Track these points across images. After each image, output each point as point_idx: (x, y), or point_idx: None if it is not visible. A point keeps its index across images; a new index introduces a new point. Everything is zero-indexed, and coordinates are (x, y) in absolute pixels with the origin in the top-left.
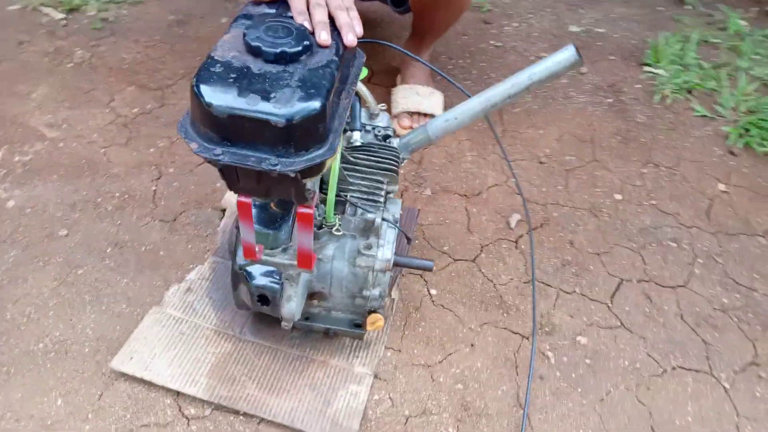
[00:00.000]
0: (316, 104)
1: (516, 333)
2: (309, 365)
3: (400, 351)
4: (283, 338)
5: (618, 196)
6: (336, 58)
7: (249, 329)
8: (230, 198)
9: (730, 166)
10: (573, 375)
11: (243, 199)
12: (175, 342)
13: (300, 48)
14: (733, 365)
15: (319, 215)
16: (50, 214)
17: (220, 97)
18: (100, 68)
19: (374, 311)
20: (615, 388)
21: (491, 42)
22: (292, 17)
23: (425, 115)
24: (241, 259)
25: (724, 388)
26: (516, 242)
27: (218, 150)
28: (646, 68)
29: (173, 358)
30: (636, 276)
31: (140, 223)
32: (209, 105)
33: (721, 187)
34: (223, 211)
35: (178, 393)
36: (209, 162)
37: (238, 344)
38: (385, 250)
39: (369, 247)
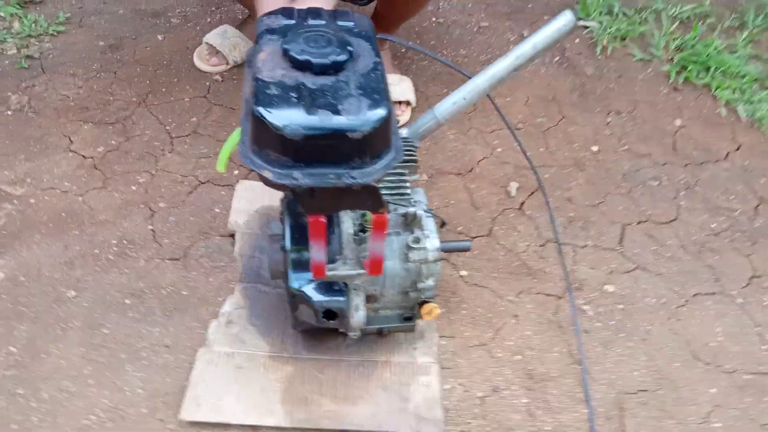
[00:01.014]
0: (384, 110)
1: (550, 295)
2: (374, 368)
3: (453, 337)
4: (338, 348)
5: (594, 148)
6: (378, 59)
7: (303, 347)
8: (236, 220)
9: (678, 101)
10: (612, 323)
11: (316, 218)
12: (235, 378)
13: (347, 55)
14: (740, 282)
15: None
16: (48, 277)
17: (289, 119)
18: (44, 111)
19: (427, 301)
20: (651, 325)
21: (432, 19)
22: (317, 25)
23: (399, 102)
24: (296, 281)
25: (738, 303)
26: (521, 209)
27: (296, 174)
28: (580, 23)
29: (240, 394)
30: (634, 219)
31: (150, 267)
32: (281, 129)
33: (678, 122)
34: (232, 235)
35: (254, 428)
36: (285, 188)
37: (298, 364)
38: (432, 240)
39: (417, 240)
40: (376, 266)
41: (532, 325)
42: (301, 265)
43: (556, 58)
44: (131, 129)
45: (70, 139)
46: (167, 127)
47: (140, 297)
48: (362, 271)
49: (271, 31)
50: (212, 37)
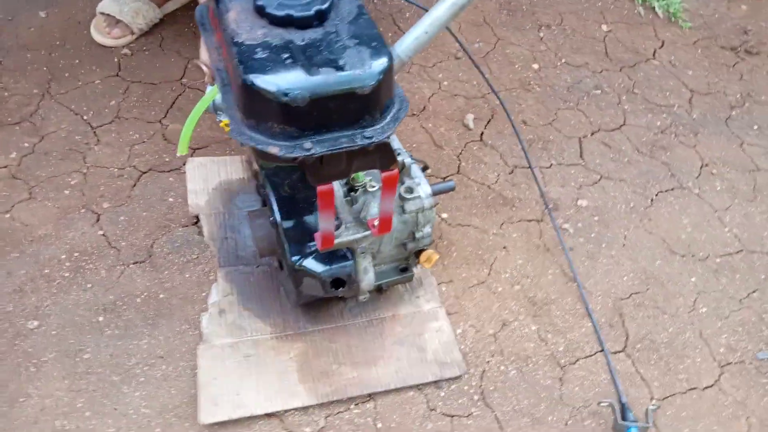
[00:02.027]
0: (385, 57)
1: (531, 220)
2: (383, 325)
3: (451, 281)
4: (342, 314)
5: (535, 66)
6: (359, 1)
7: (306, 321)
8: (196, 202)
9: (599, 6)
10: (592, 235)
11: (325, 187)
12: (247, 367)
13: (328, 2)
14: (693, 173)
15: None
16: (0, 310)
17: (290, 84)
18: None
19: (423, 249)
20: (627, 230)
21: None
22: None
23: None
24: (296, 255)
25: (696, 194)
26: (482, 140)
27: (307, 144)
28: None
29: (257, 383)
30: (588, 131)
31: (114, 276)
32: (283, 96)
33: (604, 27)
34: (196, 220)
35: (282, 414)
36: (294, 161)
37: (307, 339)
38: (424, 187)
39: (410, 190)
40: (385, 225)
41: (521, 253)
42: (298, 238)
43: None
44: (43, 126)
45: None
46: (84, 117)
47: (114, 311)
48: (367, 233)
49: None
50: (107, 6)
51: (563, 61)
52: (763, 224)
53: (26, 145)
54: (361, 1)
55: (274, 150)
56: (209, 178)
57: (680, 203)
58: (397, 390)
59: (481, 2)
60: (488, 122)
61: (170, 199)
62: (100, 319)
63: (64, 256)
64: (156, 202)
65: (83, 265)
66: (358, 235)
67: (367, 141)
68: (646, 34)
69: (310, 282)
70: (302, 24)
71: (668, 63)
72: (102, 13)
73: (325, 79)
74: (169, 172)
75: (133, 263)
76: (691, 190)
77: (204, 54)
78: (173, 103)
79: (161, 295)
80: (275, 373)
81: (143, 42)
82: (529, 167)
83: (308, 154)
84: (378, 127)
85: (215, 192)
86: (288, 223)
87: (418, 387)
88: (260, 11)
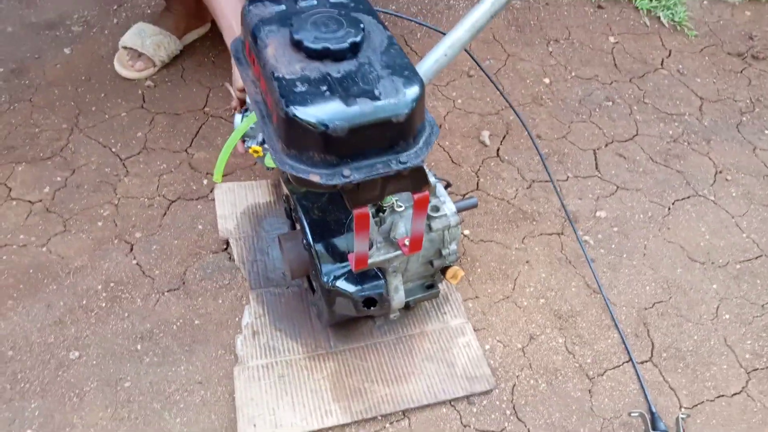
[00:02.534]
0: (417, 85)
1: (552, 234)
2: (412, 342)
3: (477, 297)
4: (371, 332)
5: (546, 80)
6: (389, 32)
7: (337, 341)
8: (226, 227)
9: (605, 19)
10: (613, 246)
11: (361, 210)
12: (282, 387)
13: (361, 34)
14: (708, 180)
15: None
16: (41, 343)
17: (330, 115)
18: None
19: (449, 266)
20: (646, 240)
21: None
22: (312, 6)
23: None
24: (330, 276)
25: (712, 201)
26: (498, 156)
27: (346, 171)
28: None
29: (293, 403)
30: (602, 142)
31: (150, 305)
32: (323, 127)
33: (611, 39)
34: (226, 245)
35: None
36: (334, 188)
37: (338, 358)
38: (449, 204)
39: (437, 208)
40: (416, 244)
41: (544, 266)
42: (331, 259)
43: None
44: (73, 160)
45: (6, 186)
46: (113, 149)
47: (151, 339)
48: (398, 252)
49: (266, 21)
50: (130, 40)
51: (573, 74)
52: None
53: (59, 179)
54: (389, 32)
55: (315, 178)
56: (237, 202)
57: (697, 211)
58: (430, 407)
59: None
60: (503, 138)
61: (200, 227)
62: (139, 347)
63: (100, 287)
64: (186, 230)
65: (119, 294)
66: (390, 255)
67: (402, 166)
68: (653, 44)
69: (342, 302)
70: (338, 56)
71: (676, 72)
72: (125, 47)
73: (362, 109)
74: (197, 200)
75: (168, 291)
76: (707, 198)
77: (236, 82)
78: (197, 132)
79: (196, 322)
80: (310, 392)
81: (165, 74)
82: (550, 180)
83: (347, 181)
84: (412, 151)
85: (243, 216)
86: (320, 245)
87: (451, 403)
88: (297, 45)
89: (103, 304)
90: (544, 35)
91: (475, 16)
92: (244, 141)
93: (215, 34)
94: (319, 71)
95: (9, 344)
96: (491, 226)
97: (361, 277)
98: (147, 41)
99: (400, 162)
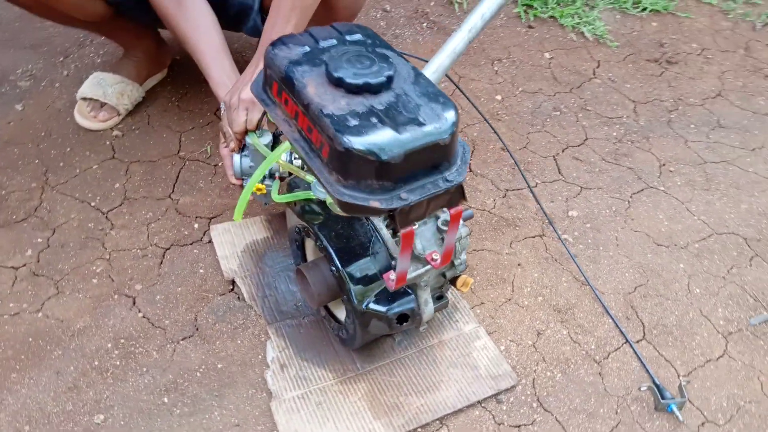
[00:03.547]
0: (453, 109)
1: (534, 236)
2: (433, 352)
3: (483, 303)
4: (392, 350)
5: (498, 97)
6: (410, 64)
7: (363, 362)
8: (230, 267)
9: (537, 37)
10: (589, 241)
11: (408, 230)
12: (322, 414)
13: (393, 68)
14: (654, 173)
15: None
16: (60, 412)
17: (385, 145)
18: None
19: (458, 276)
20: (616, 232)
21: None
22: (334, 45)
23: None
24: (362, 304)
25: (662, 191)
26: (470, 170)
27: (404, 194)
28: None
29: (336, 428)
30: (558, 149)
31: (167, 356)
32: (381, 156)
33: (547, 55)
34: (232, 283)
35: None
36: (390, 211)
37: (369, 378)
38: None
39: (446, 222)
40: (448, 256)
41: (534, 267)
42: (360, 282)
43: (424, 24)
44: (51, 219)
45: None
46: (92, 203)
47: (177, 389)
48: (428, 267)
49: (296, 62)
50: (89, 90)
51: (520, 89)
52: (722, 208)
53: (39, 240)
54: (412, 64)
55: (375, 204)
56: (236, 242)
57: (652, 201)
58: (464, 411)
59: (434, 45)
60: (472, 153)
61: (201, 271)
62: (165, 400)
63: (110, 345)
64: (188, 276)
65: (132, 350)
66: (421, 270)
67: (449, 184)
68: (583, 56)
69: (376, 322)
70: (376, 89)
71: (608, 80)
72: (84, 99)
73: (412, 135)
74: (191, 244)
75: (182, 339)
76: (657, 188)
77: (235, 124)
78: (177, 177)
79: (219, 365)
80: (349, 414)
81: (131, 122)
82: (527, 186)
83: (405, 203)
84: (454, 170)
85: (245, 254)
86: (349, 270)
87: (482, 405)
88: (338, 82)
89: (118, 362)
90: (488, 56)
91: (454, 43)
92: (242, 180)
93: (174, 78)
94: (364, 105)
95: (24, 419)
96: (479, 235)
97: (390, 296)
98: (109, 90)
99: (447, 180)
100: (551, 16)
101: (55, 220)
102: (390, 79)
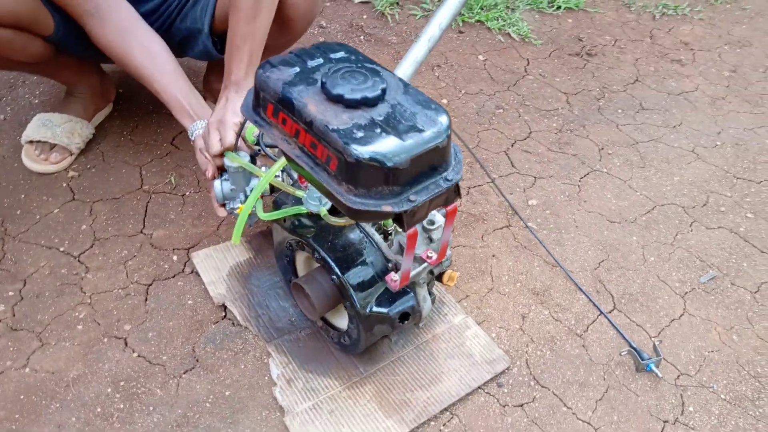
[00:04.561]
0: (445, 114)
1: (502, 228)
2: (429, 347)
3: (467, 296)
4: (390, 350)
5: (444, 101)
6: (397, 75)
7: (365, 365)
8: (219, 292)
9: (469, 41)
10: (551, 226)
11: (412, 230)
12: (337, 421)
13: (385, 81)
14: (595, 157)
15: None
16: None
17: (392, 152)
18: None
19: (444, 271)
20: (573, 215)
21: None
22: (320, 64)
23: None
24: (365, 308)
25: (605, 172)
26: None
27: (412, 197)
28: (357, 0)
29: (353, 431)
30: (508, 144)
31: (171, 391)
32: (391, 162)
33: (481, 57)
34: (224, 306)
35: None
36: (399, 215)
37: (373, 380)
38: (439, 217)
39: (432, 222)
40: (444, 252)
41: (507, 256)
42: (362, 287)
43: (361, 37)
44: (19, 270)
45: None
46: (61, 249)
47: (189, 423)
48: (425, 264)
49: (291, 83)
50: (36, 133)
51: (463, 92)
52: (659, 182)
53: (11, 293)
54: (397, 75)
55: (387, 208)
56: (220, 266)
57: (599, 183)
58: (470, 399)
59: (375, 56)
60: None
61: (189, 302)
62: None
63: (110, 390)
64: (177, 309)
65: (134, 391)
66: (419, 269)
67: (449, 183)
68: (513, 56)
69: (380, 324)
70: (373, 102)
71: (539, 75)
72: (31, 142)
73: (415, 141)
74: (174, 277)
75: (184, 372)
76: (601, 171)
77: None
78: (146, 211)
79: (227, 393)
80: (363, 417)
81: (84, 160)
82: (492, 181)
83: (414, 204)
84: (451, 169)
85: (231, 278)
86: (350, 277)
87: (485, 390)
88: (337, 99)
89: (121, 406)
90: (427, 62)
91: (416, 52)
92: (224, 205)
93: (121, 111)
94: (365, 117)
95: None
96: (453, 232)
97: (390, 297)
98: (57, 130)
99: (447, 180)
100: (478, 21)
101: (23, 270)
102: (384, 91)
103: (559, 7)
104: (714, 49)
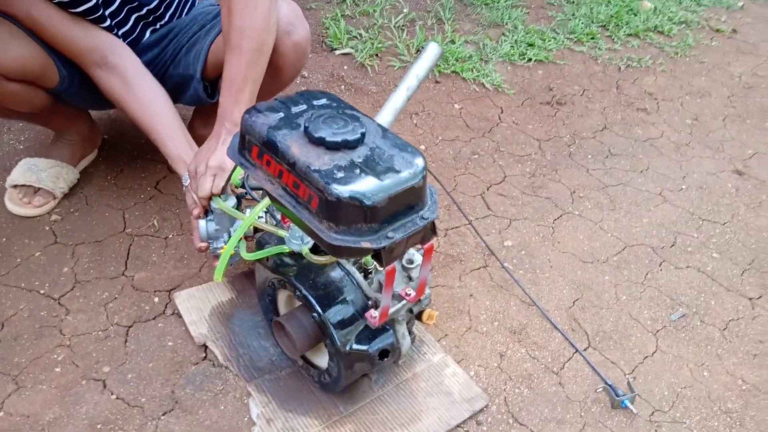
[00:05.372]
0: (420, 156)
1: (479, 268)
2: (409, 385)
3: (446, 335)
4: (370, 389)
5: (422, 147)
6: (376, 121)
7: (345, 404)
8: (200, 332)
9: (444, 90)
10: (527, 266)
11: (390, 267)
12: None
13: (365, 126)
14: (568, 200)
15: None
16: None
17: (371, 191)
18: None
19: (423, 310)
20: (547, 255)
21: None
22: (304, 110)
23: None
24: (345, 346)
25: (577, 215)
26: None
27: (389, 233)
28: (338, 52)
29: None
30: (483, 187)
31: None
32: (369, 201)
33: (456, 105)
34: (205, 347)
35: None
36: (378, 251)
37: (353, 419)
38: (418, 256)
39: (411, 261)
40: (422, 289)
41: (484, 296)
42: (342, 325)
43: (342, 86)
44: None
45: None
46: (41, 291)
47: None
48: (404, 302)
49: (275, 127)
50: (21, 177)
51: (440, 138)
52: (629, 224)
53: None
54: (376, 121)
55: (366, 245)
56: (202, 306)
57: (571, 224)
58: None
59: (355, 104)
60: None
61: (170, 343)
62: None
63: None
64: (157, 350)
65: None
66: (398, 306)
67: (425, 221)
68: (487, 104)
69: (360, 362)
70: (353, 145)
71: (512, 123)
72: (15, 186)
73: (392, 182)
74: (155, 319)
75: (163, 414)
76: (573, 213)
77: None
78: (128, 253)
79: None
80: None
81: (68, 204)
82: (469, 222)
83: (392, 241)
84: (428, 208)
85: (212, 317)
86: (330, 315)
87: (463, 428)
88: (319, 141)
89: None
90: (406, 110)
91: (395, 101)
92: (208, 245)
93: (106, 157)
94: (345, 159)
95: None
96: (432, 273)
97: (369, 334)
98: (43, 175)
99: (423, 218)
100: (454, 71)
101: (2, 313)
102: (363, 135)
103: (530, 60)
104: (676, 99)
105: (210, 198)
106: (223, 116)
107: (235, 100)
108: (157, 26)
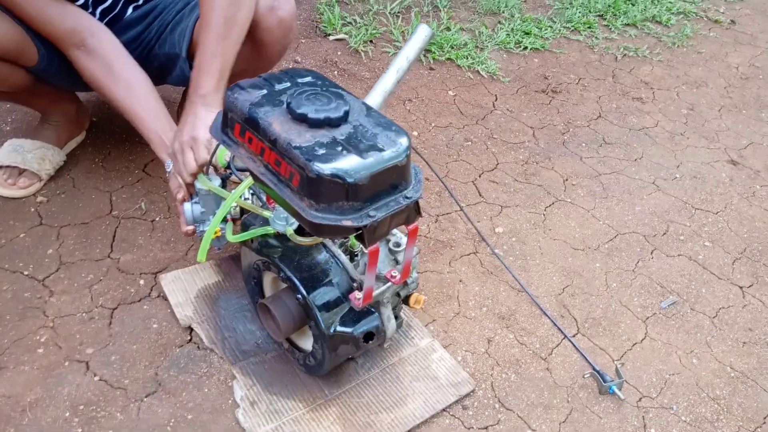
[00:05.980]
0: (405, 135)
1: (469, 254)
2: (394, 370)
3: (434, 320)
4: (356, 372)
5: (415, 133)
6: (360, 99)
7: (331, 387)
8: (185, 314)
9: (439, 77)
10: (517, 252)
11: (374, 247)
12: None
13: (348, 104)
14: (560, 188)
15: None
16: None
17: (352, 169)
18: None
19: (411, 294)
20: (538, 242)
21: None
22: (288, 87)
23: None
24: (330, 328)
25: (569, 202)
26: None
27: (372, 212)
28: (332, 37)
29: None
30: (476, 174)
31: (132, 415)
32: (351, 179)
33: (450, 92)
34: (190, 329)
35: None
36: (360, 229)
37: (338, 402)
38: (404, 238)
39: (398, 244)
40: (407, 272)
41: (474, 281)
42: (325, 308)
43: (335, 72)
44: None
45: None
46: (25, 272)
47: None
48: (389, 284)
49: (257, 104)
50: (6, 158)
51: (433, 125)
52: (621, 212)
53: None
54: (361, 99)
55: (347, 223)
56: (188, 288)
57: (563, 212)
58: (435, 422)
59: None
60: None
61: (155, 325)
62: None
63: (68, 414)
64: (141, 332)
65: (94, 415)
66: (383, 288)
67: (408, 200)
68: (482, 92)
69: (344, 345)
70: (336, 123)
71: (506, 110)
72: (1, 167)
73: (375, 160)
74: (140, 301)
75: (146, 396)
76: (565, 201)
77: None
78: (114, 236)
79: (189, 416)
80: None
81: (54, 186)
82: (461, 208)
83: (374, 220)
84: (411, 188)
85: (198, 300)
86: (315, 297)
87: (449, 413)
88: (301, 118)
89: (80, 430)
90: (398, 97)
91: (385, 83)
92: (194, 228)
93: (94, 139)
94: (327, 136)
95: None
96: (421, 258)
97: (355, 316)
98: (28, 156)
99: (407, 197)
100: (448, 59)
101: None
102: (347, 113)
103: (525, 48)
104: (672, 89)
105: (196, 173)
106: (192, 90)
107: (204, 72)
108: (140, 2)
